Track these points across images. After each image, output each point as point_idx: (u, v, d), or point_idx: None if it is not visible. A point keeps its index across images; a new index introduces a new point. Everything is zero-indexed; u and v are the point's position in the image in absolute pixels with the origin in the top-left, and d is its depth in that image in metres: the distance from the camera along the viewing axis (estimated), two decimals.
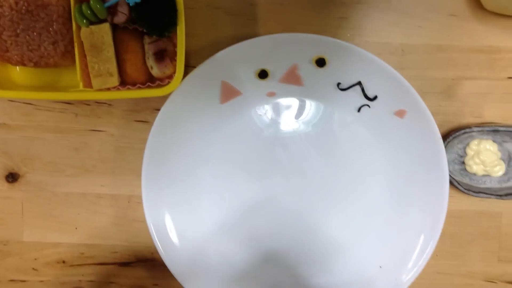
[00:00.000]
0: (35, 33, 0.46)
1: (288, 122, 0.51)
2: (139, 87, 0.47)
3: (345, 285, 0.50)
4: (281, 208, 0.51)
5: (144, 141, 0.48)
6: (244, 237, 0.51)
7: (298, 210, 0.51)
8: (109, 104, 0.51)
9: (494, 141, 0.49)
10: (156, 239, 0.48)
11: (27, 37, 0.46)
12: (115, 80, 0.47)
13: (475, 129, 0.48)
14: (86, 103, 0.51)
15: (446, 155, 0.47)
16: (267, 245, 0.51)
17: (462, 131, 0.48)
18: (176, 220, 0.50)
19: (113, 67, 0.46)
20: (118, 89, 0.47)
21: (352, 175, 0.50)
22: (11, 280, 0.53)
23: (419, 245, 0.48)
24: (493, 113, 0.50)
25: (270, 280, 0.51)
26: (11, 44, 0.46)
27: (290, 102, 0.51)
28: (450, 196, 0.48)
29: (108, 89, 0.47)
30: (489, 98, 0.49)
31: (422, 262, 0.48)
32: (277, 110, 0.51)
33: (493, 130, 0.48)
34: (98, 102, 0.51)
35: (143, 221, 0.49)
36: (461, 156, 0.50)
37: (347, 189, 0.51)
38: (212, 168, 0.51)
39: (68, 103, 0.51)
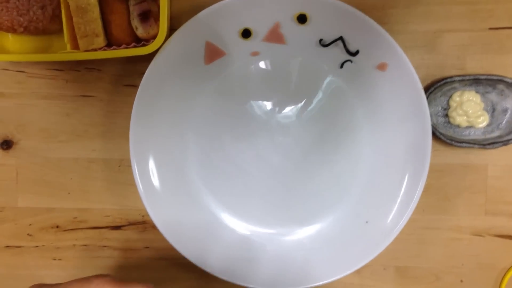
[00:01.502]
0: None
1: (272, 80, 0.51)
2: (125, 48, 0.48)
3: (332, 240, 0.50)
4: (266, 167, 0.52)
5: (133, 105, 0.48)
6: (230, 196, 0.52)
7: (283, 168, 0.52)
8: (98, 70, 0.53)
9: (476, 92, 0.49)
10: (145, 199, 0.49)
11: (17, 2, 0.48)
12: (101, 41, 0.48)
13: (456, 78, 0.48)
14: (76, 69, 0.53)
15: (429, 108, 0.47)
16: (253, 204, 0.52)
17: (443, 81, 0.48)
18: (164, 180, 0.50)
19: (98, 27, 0.48)
20: (105, 49, 0.48)
21: (335, 132, 0.51)
22: (7, 246, 0.54)
23: (399, 198, 0.49)
24: (475, 65, 0.50)
25: (256, 239, 0.51)
26: (2, 10, 0.48)
27: (274, 62, 0.51)
28: (434, 150, 0.48)
29: (95, 50, 0.48)
30: (471, 50, 0.50)
31: (407, 215, 0.48)
32: (261, 69, 0.51)
33: (475, 79, 0.48)
34: (87, 68, 0.53)
35: (133, 184, 0.50)
36: (445, 109, 0.50)
37: (331, 145, 0.51)
38: (198, 128, 0.52)
39: (59, 69, 0.53)
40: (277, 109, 0.51)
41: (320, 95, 0.51)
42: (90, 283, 0.36)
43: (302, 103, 0.51)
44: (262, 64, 0.51)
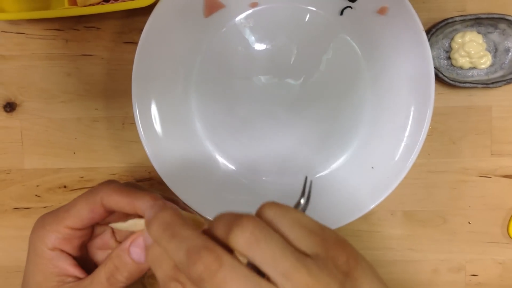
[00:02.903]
0: None
1: (273, 30, 0.51)
2: (123, 1, 0.48)
3: (338, 187, 0.51)
4: (270, 118, 0.52)
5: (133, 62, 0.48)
6: (234, 148, 0.52)
7: (287, 118, 0.52)
8: (98, 28, 0.52)
9: (478, 32, 0.49)
10: (150, 155, 0.49)
11: None
12: None
13: (457, 19, 0.48)
14: (75, 28, 0.53)
15: (432, 51, 0.47)
16: (258, 154, 0.52)
17: (444, 22, 0.48)
18: (168, 133, 0.50)
19: None
20: (102, 4, 0.48)
21: (338, 79, 0.51)
22: (16, 208, 0.55)
23: (406, 141, 0.49)
24: (476, 6, 0.49)
25: (262, 189, 0.52)
26: None
27: (273, 12, 0.51)
28: (438, 93, 0.48)
29: (93, 5, 0.48)
30: None
31: (412, 159, 0.48)
32: (261, 20, 0.51)
33: (476, 19, 0.48)
34: (86, 27, 0.52)
35: (138, 141, 0.50)
36: (447, 52, 0.50)
37: (334, 93, 0.51)
38: (200, 82, 0.52)
39: (58, 29, 0.53)
40: (277, 60, 0.51)
41: (320, 42, 0.50)
42: (95, 195, 0.34)
43: (302, 52, 0.51)
44: (261, 16, 0.51)
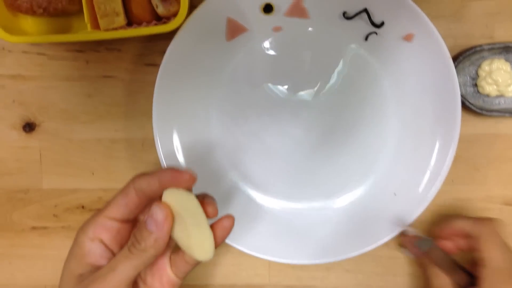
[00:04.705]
0: None
1: (296, 55, 0.50)
2: (146, 26, 0.48)
3: (360, 213, 0.50)
4: (291, 141, 0.51)
5: (154, 84, 0.48)
6: (255, 172, 0.51)
7: (308, 142, 0.51)
8: (119, 50, 0.52)
9: (506, 60, 0.48)
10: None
11: None
12: (121, 20, 0.47)
13: (485, 47, 0.47)
14: (96, 49, 0.52)
15: (458, 78, 0.46)
16: (279, 179, 0.51)
17: (473, 50, 0.47)
18: (188, 157, 0.50)
19: (118, 6, 0.47)
20: (125, 28, 0.48)
21: (362, 105, 0.50)
22: (33, 228, 0.55)
23: (431, 169, 0.48)
24: (503, 33, 0.49)
25: (283, 213, 0.51)
26: None
27: (297, 37, 0.50)
28: (463, 121, 0.47)
29: (116, 29, 0.48)
30: (499, 18, 0.48)
31: (436, 186, 0.47)
32: (284, 44, 0.50)
33: (504, 47, 0.47)
34: (108, 48, 0.52)
35: (157, 163, 0.50)
36: (473, 79, 0.49)
37: (357, 118, 0.50)
38: (221, 104, 0.51)
39: (79, 51, 0.52)
40: (300, 83, 0.51)
41: (343, 68, 0.50)
42: (128, 183, 0.37)
43: (326, 77, 0.50)
44: (284, 39, 0.50)
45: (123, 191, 0.37)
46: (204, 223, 0.35)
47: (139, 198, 0.36)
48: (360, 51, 0.49)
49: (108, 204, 0.37)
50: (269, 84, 0.51)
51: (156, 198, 0.36)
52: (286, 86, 0.51)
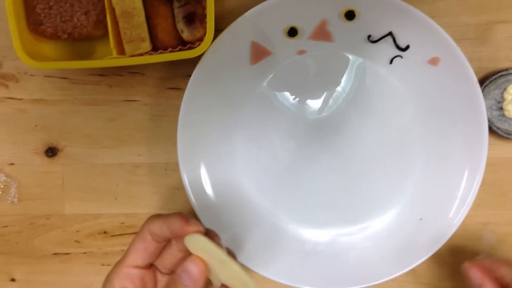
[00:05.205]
0: (67, 4, 0.48)
1: (320, 79, 0.50)
2: (171, 51, 0.48)
3: (385, 239, 0.50)
4: (316, 166, 0.51)
5: (177, 108, 0.48)
6: (281, 197, 0.51)
7: (333, 167, 0.51)
8: (142, 74, 0.52)
9: None
10: (194, 201, 0.49)
11: (60, 8, 0.48)
12: (147, 45, 0.47)
13: (511, 70, 0.47)
14: (119, 73, 0.52)
15: (484, 101, 0.46)
16: (305, 204, 0.51)
17: (499, 74, 0.47)
18: (213, 183, 0.50)
19: (144, 32, 0.47)
20: (151, 54, 0.48)
21: (387, 129, 0.50)
22: (55, 254, 0.54)
23: (459, 195, 0.48)
24: None
25: (308, 239, 0.51)
26: (45, 16, 0.48)
27: (321, 61, 0.50)
28: (489, 144, 0.47)
29: (141, 54, 0.48)
30: None
31: (463, 212, 0.47)
32: (308, 68, 0.50)
33: None
34: (130, 72, 0.52)
35: (180, 188, 0.49)
36: (499, 102, 0.49)
37: (382, 143, 0.50)
38: (246, 129, 0.51)
39: (102, 75, 0.52)
40: (325, 106, 0.50)
41: (368, 90, 0.50)
42: (143, 227, 0.37)
43: (349, 99, 0.50)
44: (308, 63, 0.50)
45: (139, 236, 0.37)
46: (227, 259, 0.35)
47: (156, 241, 0.37)
48: (385, 73, 0.49)
49: (128, 252, 0.38)
50: (293, 107, 0.51)
51: (171, 239, 0.38)
52: (310, 109, 0.51)
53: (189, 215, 0.36)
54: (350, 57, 0.50)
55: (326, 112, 0.50)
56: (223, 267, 0.35)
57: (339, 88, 0.50)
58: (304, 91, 0.51)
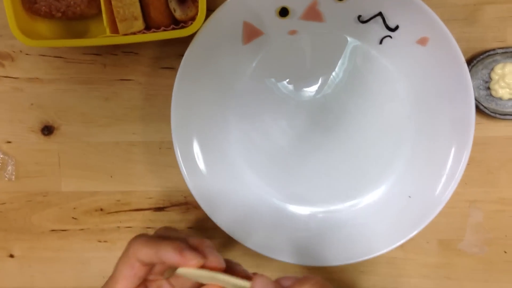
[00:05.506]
0: None
1: (311, 59, 0.51)
2: (164, 30, 0.48)
3: (374, 216, 0.51)
4: (308, 144, 0.52)
5: (171, 87, 0.49)
6: (272, 175, 0.52)
7: (324, 145, 0.52)
8: (136, 53, 0.53)
9: None
10: (188, 178, 0.49)
11: None
12: (140, 24, 0.48)
13: (498, 51, 0.48)
14: (113, 53, 0.53)
15: (471, 81, 0.47)
16: (296, 182, 0.52)
17: (486, 54, 0.48)
18: (206, 159, 0.51)
19: (137, 10, 0.48)
20: (144, 33, 0.48)
21: (378, 108, 0.51)
22: (52, 230, 0.55)
23: (446, 172, 0.49)
24: None
25: (299, 216, 0.52)
26: None
27: (312, 41, 0.51)
28: (476, 123, 0.48)
29: (134, 33, 0.48)
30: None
31: (451, 189, 0.48)
32: (299, 48, 0.51)
33: None
34: (124, 52, 0.53)
35: (175, 166, 0.50)
36: (486, 82, 0.50)
37: (372, 122, 0.51)
38: (238, 108, 0.52)
39: (96, 54, 0.53)
40: (316, 86, 0.51)
41: (359, 70, 0.50)
42: (129, 252, 0.35)
43: (340, 79, 0.51)
44: (299, 43, 0.51)
45: (127, 263, 0.35)
46: (222, 277, 0.33)
47: (145, 266, 0.35)
48: (375, 53, 0.50)
49: (115, 279, 0.35)
50: (285, 87, 0.51)
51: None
52: (302, 89, 0.51)
53: (183, 244, 0.34)
54: (341, 37, 0.50)
55: (318, 92, 0.51)
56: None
57: (327, 67, 0.51)
58: (296, 71, 0.51)
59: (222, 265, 0.34)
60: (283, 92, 0.51)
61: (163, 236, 0.36)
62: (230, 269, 0.35)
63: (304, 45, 0.51)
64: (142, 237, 0.35)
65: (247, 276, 0.34)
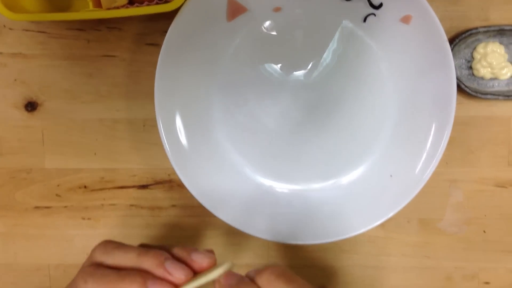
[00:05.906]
0: None
1: (295, 36, 0.51)
2: (148, 5, 0.48)
3: (356, 194, 0.51)
4: (290, 123, 0.52)
5: (155, 64, 0.49)
6: (255, 153, 0.52)
7: (306, 123, 0.52)
8: (120, 29, 0.53)
9: (501, 43, 0.49)
10: (172, 157, 0.50)
11: None
12: None
13: (480, 29, 0.48)
14: (97, 28, 0.53)
15: (454, 60, 0.47)
16: (278, 160, 0.52)
17: (468, 32, 0.48)
18: (189, 136, 0.51)
19: None
20: (127, 7, 0.48)
21: (358, 85, 0.51)
22: (36, 207, 0.55)
23: (426, 151, 0.49)
24: (499, 16, 0.50)
25: (282, 194, 0.52)
26: None
27: (296, 18, 0.51)
28: (458, 103, 0.48)
29: (117, 8, 0.48)
30: (494, 1, 0.49)
31: (431, 168, 0.48)
32: (283, 26, 0.51)
33: (499, 30, 0.48)
34: (108, 27, 0.53)
35: (159, 144, 0.50)
36: (468, 61, 0.50)
37: (354, 100, 0.51)
38: (222, 85, 0.52)
39: (80, 29, 0.53)
40: (298, 64, 0.51)
41: (341, 48, 0.51)
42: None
43: (324, 57, 0.51)
44: (283, 20, 0.51)
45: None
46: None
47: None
48: (358, 32, 0.50)
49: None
50: (268, 65, 0.51)
51: None
52: (284, 67, 0.52)
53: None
54: (326, 14, 0.50)
55: (299, 68, 0.51)
56: None
57: (311, 45, 0.51)
58: (279, 50, 0.51)
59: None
60: (267, 70, 0.51)
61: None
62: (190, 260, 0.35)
63: (288, 24, 0.51)
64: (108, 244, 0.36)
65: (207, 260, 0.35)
